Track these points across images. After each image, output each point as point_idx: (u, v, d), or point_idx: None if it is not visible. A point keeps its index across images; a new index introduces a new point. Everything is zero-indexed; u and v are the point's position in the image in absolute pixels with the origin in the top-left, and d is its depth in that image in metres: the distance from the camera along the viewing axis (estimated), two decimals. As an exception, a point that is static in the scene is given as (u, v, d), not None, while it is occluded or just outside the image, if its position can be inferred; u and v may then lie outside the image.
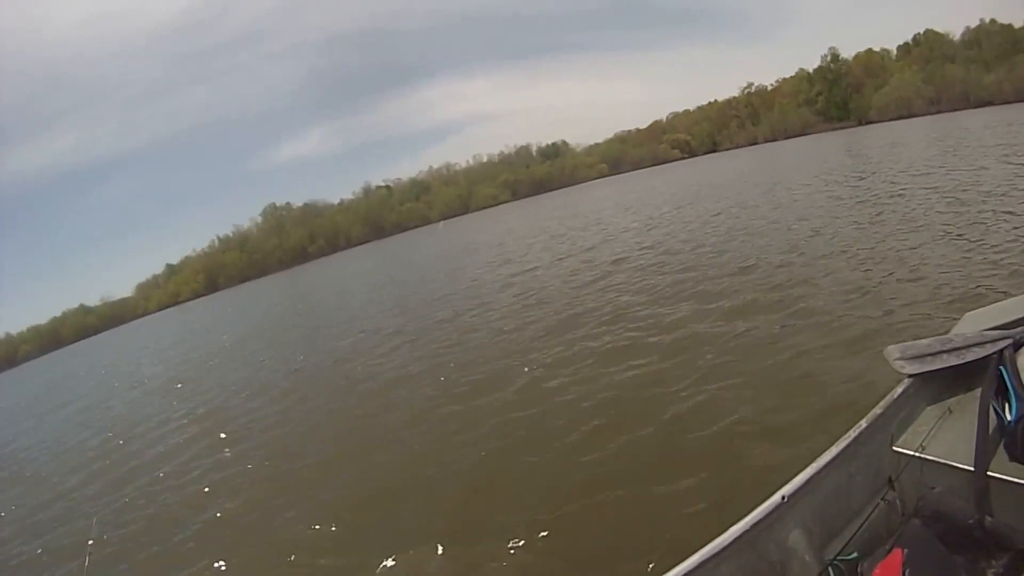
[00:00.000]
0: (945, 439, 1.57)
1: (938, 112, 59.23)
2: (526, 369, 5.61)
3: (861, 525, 1.49)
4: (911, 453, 1.56)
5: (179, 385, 10.83)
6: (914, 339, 1.90)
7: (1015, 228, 6.21)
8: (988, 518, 1.32)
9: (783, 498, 1.34)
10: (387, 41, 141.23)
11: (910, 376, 1.75)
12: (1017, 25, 67.52)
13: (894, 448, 1.61)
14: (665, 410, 3.97)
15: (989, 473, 1.39)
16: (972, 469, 1.40)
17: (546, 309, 7.98)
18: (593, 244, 13.22)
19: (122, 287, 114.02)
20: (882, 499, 1.58)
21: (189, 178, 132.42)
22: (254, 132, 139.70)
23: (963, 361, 1.74)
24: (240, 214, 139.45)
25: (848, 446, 1.51)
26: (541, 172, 76.73)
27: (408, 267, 21.66)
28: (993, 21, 69.17)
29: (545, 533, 2.94)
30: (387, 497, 3.84)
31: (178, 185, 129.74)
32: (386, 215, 74.86)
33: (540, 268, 11.83)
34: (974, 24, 69.88)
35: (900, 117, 61.50)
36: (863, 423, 1.58)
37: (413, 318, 10.12)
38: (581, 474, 3.43)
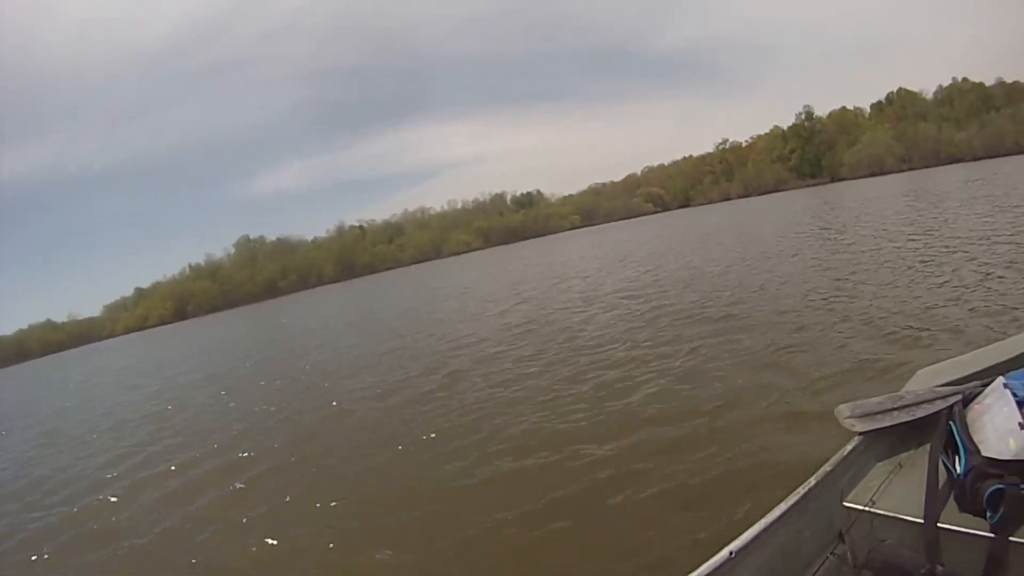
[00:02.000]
0: (895, 493, 1.59)
1: (910, 169, 60.63)
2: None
3: None
4: (861, 508, 1.56)
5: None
6: (865, 397, 1.94)
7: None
8: (939, 567, 1.34)
9: (731, 553, 1.32)
10: (373, 80, 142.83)
11: (860, 433, 1.77)
12: (988, 83, 69.41)
13: (844, 503, 1.61)
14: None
15: (939, 524, 1.40)
16: (922, 521, 1.41)
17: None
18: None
19: (90, 307, 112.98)
20: (832, 553, 1.59)
21: (166, 201, 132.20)
22: (234, 160, 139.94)
23: (913, 417, 1.79)
24: (214, 242, 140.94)
25: (797, 502, 1.52)
26: (515, 221, 77.68)
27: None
28: (965, 80, 70.81)
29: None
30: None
31: (154, 207, 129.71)
32: (359, 255, 75.20)
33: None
34: (947, 83, 71.61)
35: (872, 174, 62.86)
36: (812, 480, 1.58)
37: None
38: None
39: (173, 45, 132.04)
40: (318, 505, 4.37)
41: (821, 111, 78.63)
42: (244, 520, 4.38)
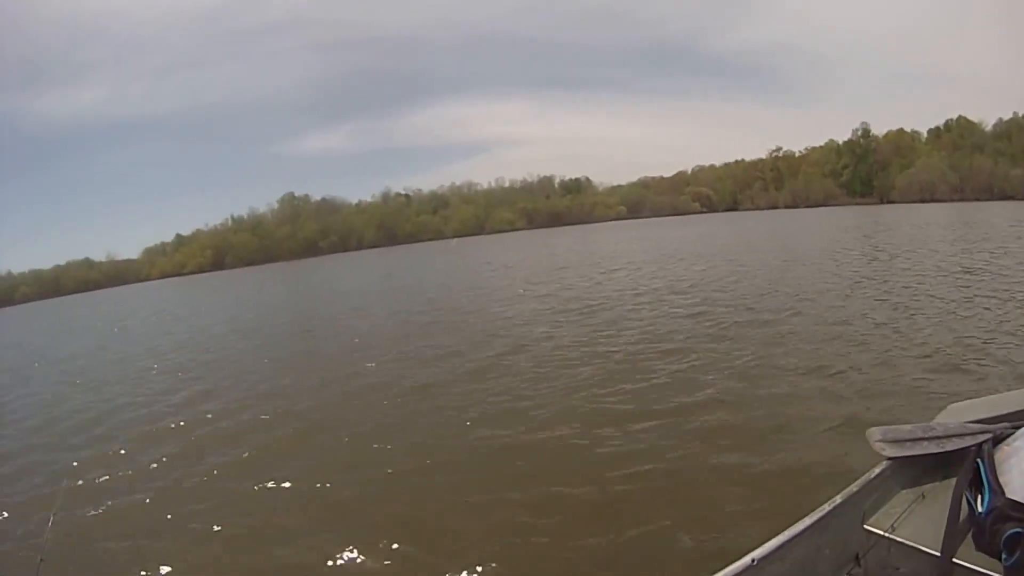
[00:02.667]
0: (915, 523, 1.60)
1: (961, 200, 59.93)
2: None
3: None
4: (880, 532, 1.58)
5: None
6: (897, 423, 1.96)
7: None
8: None
9: (753, 561, 1.34)
10: (427, 51, 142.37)
11: (888, 459, 1.78)
12: None
13: (865, 526, 1.63)
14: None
15: (955, 560, 1.40)
16: (938, 555, 1.41)
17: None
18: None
19: (129, 249, 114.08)
20: (847, 574, 1.61)
21: (212, 152, 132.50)
22: (282, 118, 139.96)
23: (942, 450, 1.79)
24: (258, 197, 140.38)
25: (820, 519, 1.53)
26: (560, 205, 77.13)
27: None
28: None
29: None
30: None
31: (201, 157, 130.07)
32: (401, 223, 75.15)
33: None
34: (1007, 116, 69.98)
35: (923, 200, 62.25)
36: (837, 498, 1.60)
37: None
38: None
39: (223, 3, 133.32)
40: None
41: (878, 131, 77.63)
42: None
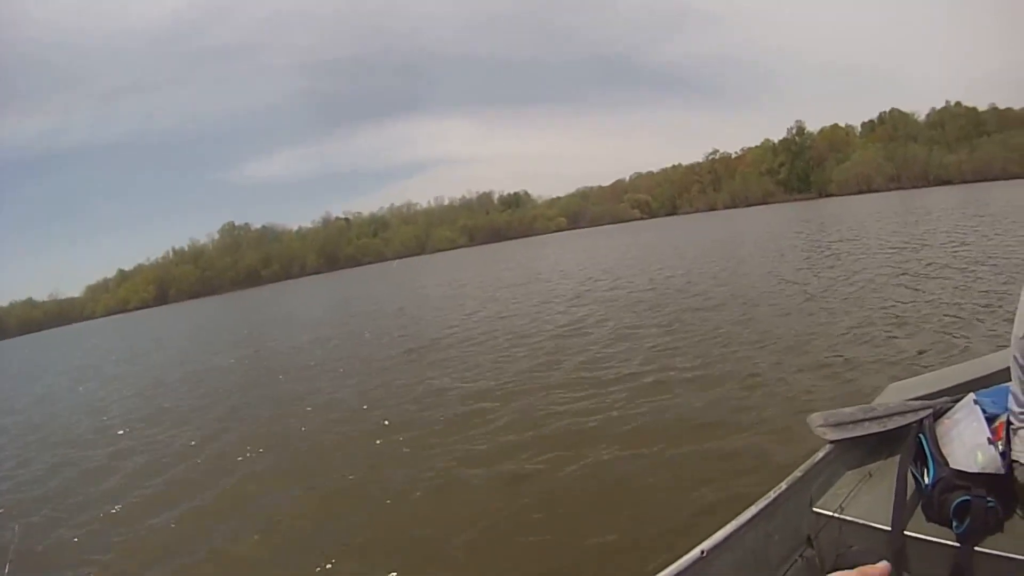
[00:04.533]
0: (864, 501, 1.62)
1: (898, 188, 61.05)
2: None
3: None
4: (830, 514, 1.60)
5: None
6: (838, 407, 1.97)
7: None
8: (905, 573, 1.39)
9: (702, 553, 1.35)
10: (372, 74, 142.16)
11: (831, 442, 1.80)
12: (981, 109, 70.02)
13: (813, 509, 1.65)
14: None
15: (906, 532, 1.44)
16: (889, 529, 1.44)
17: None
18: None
19: (72, 287, 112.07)
20: (800, 556, 1.63)
21: (155, 182, 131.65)
22: (226, 145, 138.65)
23: (884, 429, 1.82)
24: (200, 227, 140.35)
25: (767, 506, 1.54)
26: (500, 220, 77.92)
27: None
28: (958, 104, 71.46)
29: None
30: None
31: (143, 187, 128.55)
32: (343, 247, 75.21)
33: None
34: (940, 106, 72.25)
35: (860, 191, 63.29)
36: (783, 484, 1.61)
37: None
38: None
39: (175, 25, 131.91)
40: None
41: (813, 127, 79.05)
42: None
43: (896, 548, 1.40)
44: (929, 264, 9.56)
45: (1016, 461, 1.40)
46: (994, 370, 2.03)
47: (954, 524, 1.37)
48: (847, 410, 1.91)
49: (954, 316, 6.14)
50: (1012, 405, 1.45)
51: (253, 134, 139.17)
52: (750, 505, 1.53)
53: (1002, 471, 1.41)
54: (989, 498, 1.36)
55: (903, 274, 9.01)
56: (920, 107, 75.44)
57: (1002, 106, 68.45)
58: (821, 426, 1.84)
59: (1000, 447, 1.44)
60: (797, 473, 1.65)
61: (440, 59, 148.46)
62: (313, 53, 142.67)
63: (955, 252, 10.44)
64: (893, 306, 7.05)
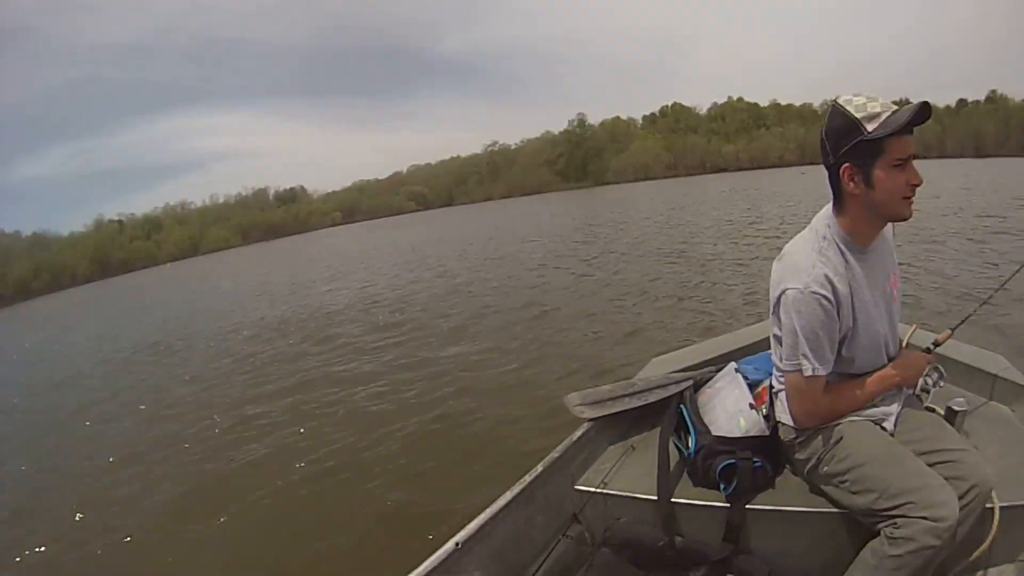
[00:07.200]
0: (628, 474, 1.63)
1: (675, 176, 68.60)
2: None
3: (545, 561, 1.54)
4: (593, 490, 1.59)
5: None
6: (595, 386, 1.95)
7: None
8: (678, 537, 1.43)
9: (457, 544, 1.30)
10: (148, 61, 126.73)
11: (591, 420, 1.78)
12: (763, 104, 77.73)
13: (576, 487, 1.63)
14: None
15: (673, 499, 1.46)
16: (656, 498, 1.46)
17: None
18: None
19: None
20: (565, 535, 1.60)
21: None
22: None
23: (645, 403, 1.83)
24: None
25: (524, 489, 1.51)
26: (275, 217, 78.81)
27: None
28: (740, 99, 79.04)
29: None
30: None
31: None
32: (115, 252, 73.62)
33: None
34: (723, 100, 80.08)
35: (638, 179, 69.74)
36: (540, 466, 1.58)
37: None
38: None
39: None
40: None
41: (596, 120, 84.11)
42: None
43: (664, 515, 1.45)
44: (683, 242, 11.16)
45: (780, 422, 1.43)
46: (757, 339, 2.14)
47: (722, 487, 1.43)
48: (606, 387, 1.93)
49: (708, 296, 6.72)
50: (774, 370, 1.46)
51: (19, 130, 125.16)
52: (505, 491, 1.49)
53: (766, 432, 1.46)
54: (756, 459, 1.42)
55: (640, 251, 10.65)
56: (703, 102, 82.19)
57: (783, 102, 76.35)
58: (579, 405, 1.85)
59: (764, 410, 1.49)
60: (555, 454, 1.64)
61: (221, 45, 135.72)
62: (88, 35, 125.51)
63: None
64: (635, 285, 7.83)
